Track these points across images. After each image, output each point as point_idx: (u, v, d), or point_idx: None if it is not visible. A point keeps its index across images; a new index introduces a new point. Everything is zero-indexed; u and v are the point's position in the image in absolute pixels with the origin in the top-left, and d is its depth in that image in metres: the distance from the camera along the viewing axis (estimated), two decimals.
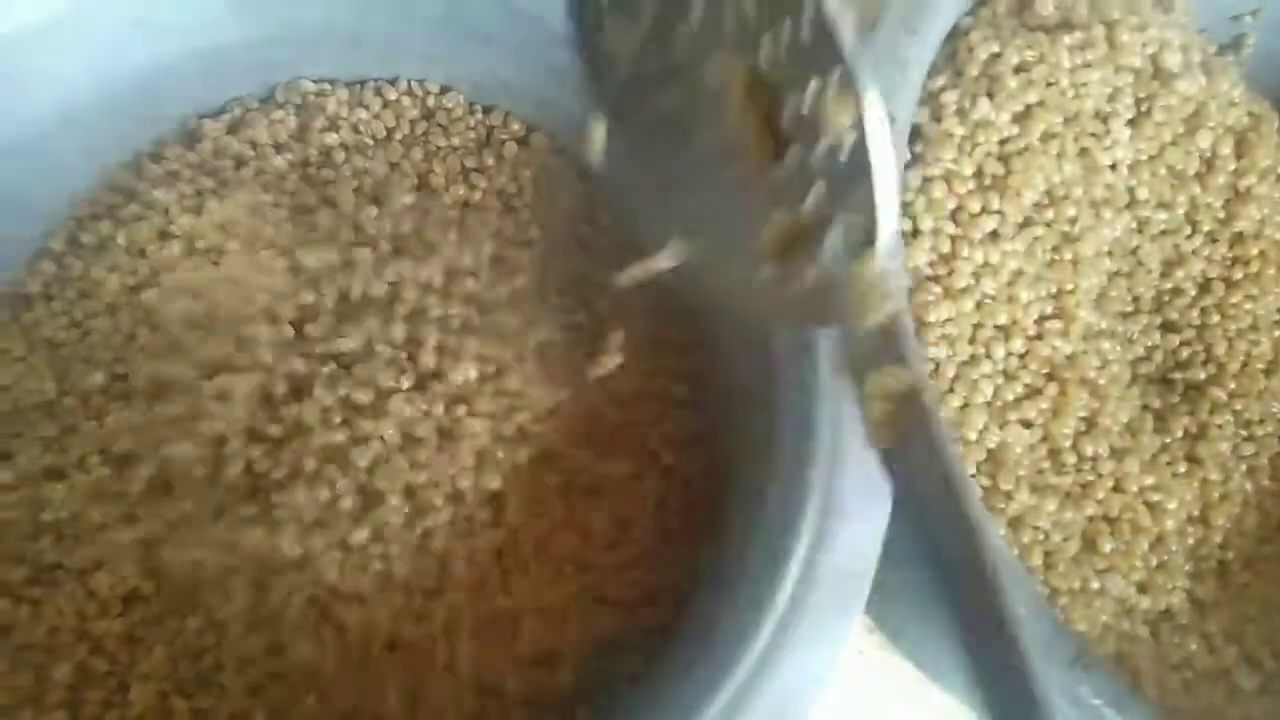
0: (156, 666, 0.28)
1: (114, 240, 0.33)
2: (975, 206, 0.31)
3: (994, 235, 0.31)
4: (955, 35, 0.32)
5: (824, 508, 0.24)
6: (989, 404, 0.30)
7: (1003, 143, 0.31)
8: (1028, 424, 0.30)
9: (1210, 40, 0.37)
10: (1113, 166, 0.32)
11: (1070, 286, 0.31)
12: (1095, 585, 0.28)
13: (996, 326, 0.30)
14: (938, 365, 0.30)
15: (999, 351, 0.30)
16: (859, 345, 0.24)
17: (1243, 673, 0.30)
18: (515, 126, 0.36)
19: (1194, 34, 0.37)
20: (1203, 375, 0.33)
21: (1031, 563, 0.28)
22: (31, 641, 0.28)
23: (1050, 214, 0.31)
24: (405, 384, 0.30)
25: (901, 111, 0.28)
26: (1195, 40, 0.36)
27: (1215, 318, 0.34)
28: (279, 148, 0.34)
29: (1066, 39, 0.32)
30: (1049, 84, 0.32)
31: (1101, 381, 0.31)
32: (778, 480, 0.26)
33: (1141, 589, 0.29)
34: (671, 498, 0.32)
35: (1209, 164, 0.34)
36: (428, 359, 0.31)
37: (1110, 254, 0.33)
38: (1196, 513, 0.31)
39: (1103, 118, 0.32)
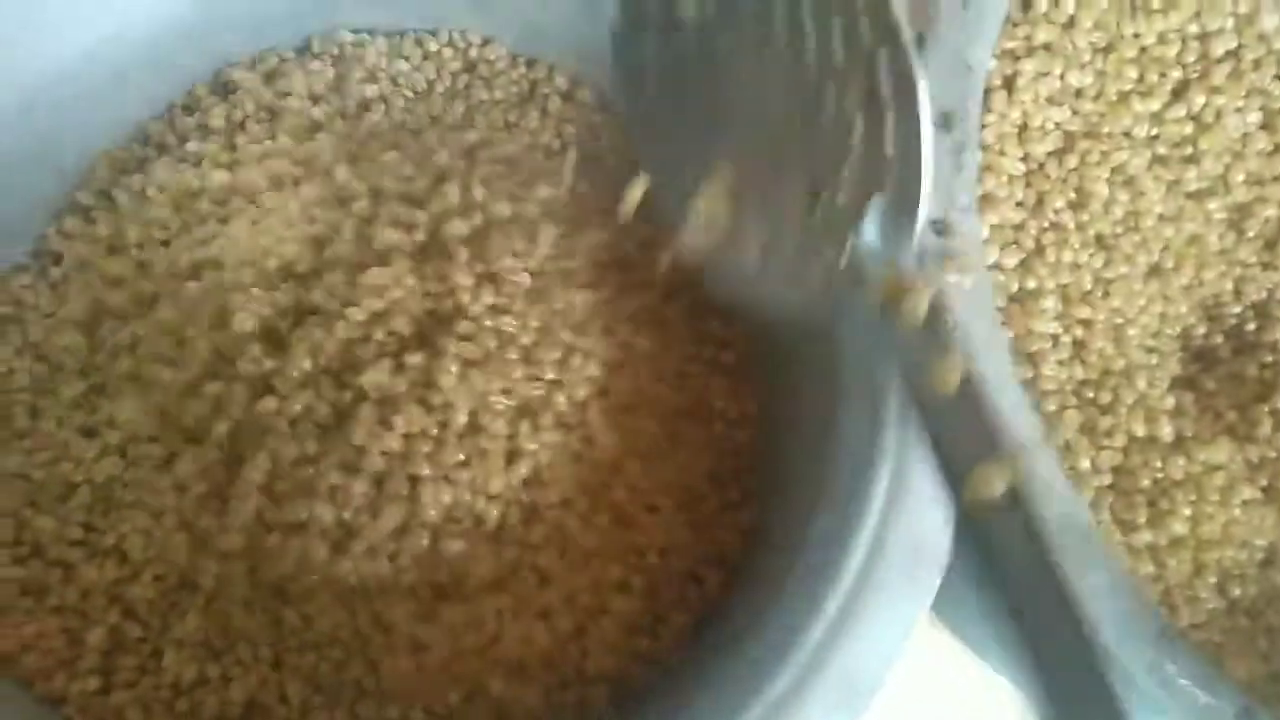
0: (190, 633, 0.27)
1: (145, 195, 0.32)
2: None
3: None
4: None
5: (897, 477, 0.23)
6: None
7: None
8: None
9: None
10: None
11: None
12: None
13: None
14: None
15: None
16: (902, 342, 0.23)
17: None
18: (559, 81, 0.35)
19: None
20: None
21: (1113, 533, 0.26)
22: (64, 604, 0.27)
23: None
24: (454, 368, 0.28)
25: (972, 110, 0.27)
26: None
27: None
28: (315, 99, 0.33)
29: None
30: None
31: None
32: (845, 447, 0.25)
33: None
34: (724, 468, 0.31)
35: None
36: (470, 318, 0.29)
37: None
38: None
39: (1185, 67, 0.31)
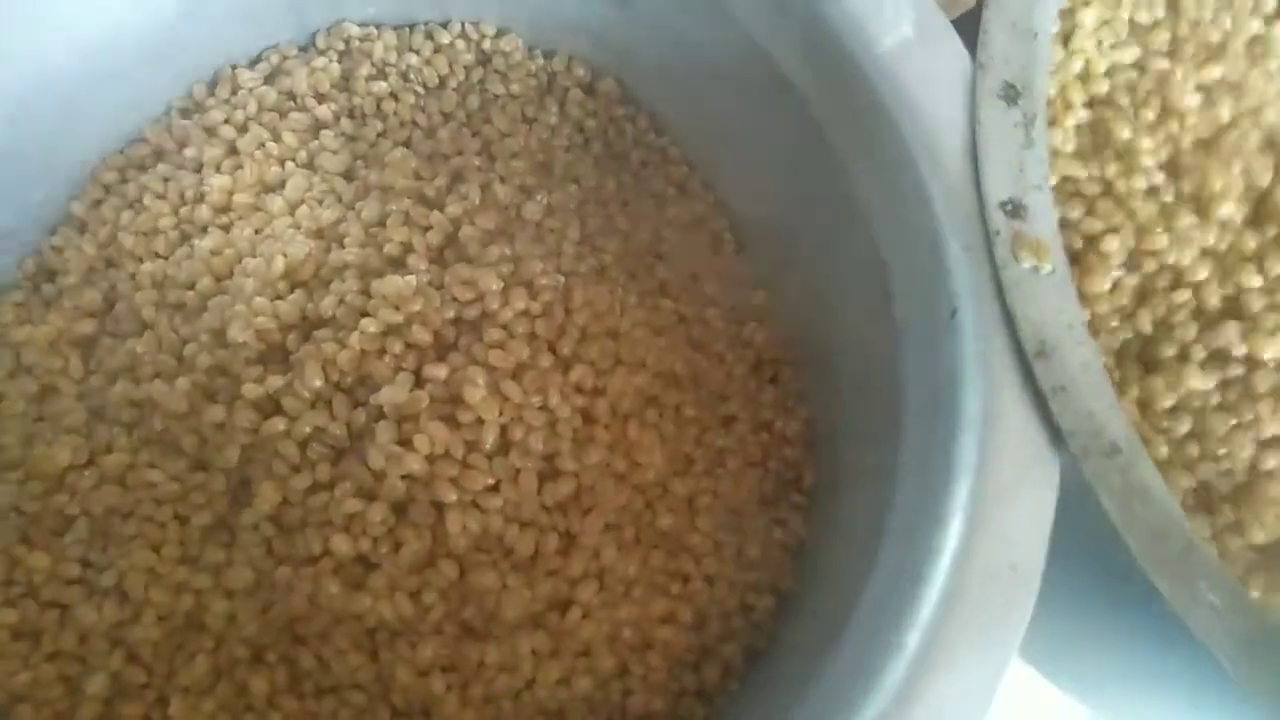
0: (198, 678, 0.25)
1: (141, 203, 0.30)
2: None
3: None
4: None
5: (978, 489, 0.21)
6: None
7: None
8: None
9: None
10: None
11: None
12: None
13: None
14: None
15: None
16: None
17: None
18: (580, 72, 0.33)
19: None
20: None
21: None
22: (61, 650, 0.25)
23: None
24: (481, 379, 0.26)
25: (1038, 79, 0.24)
26: None
27: None
28: (321, 98, 0.31)
29: None
30: None
31: None
32: (911, 460, 0.23)
33: None
34: (774, 485, 0.28)
35: None
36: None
37: None
38: None
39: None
